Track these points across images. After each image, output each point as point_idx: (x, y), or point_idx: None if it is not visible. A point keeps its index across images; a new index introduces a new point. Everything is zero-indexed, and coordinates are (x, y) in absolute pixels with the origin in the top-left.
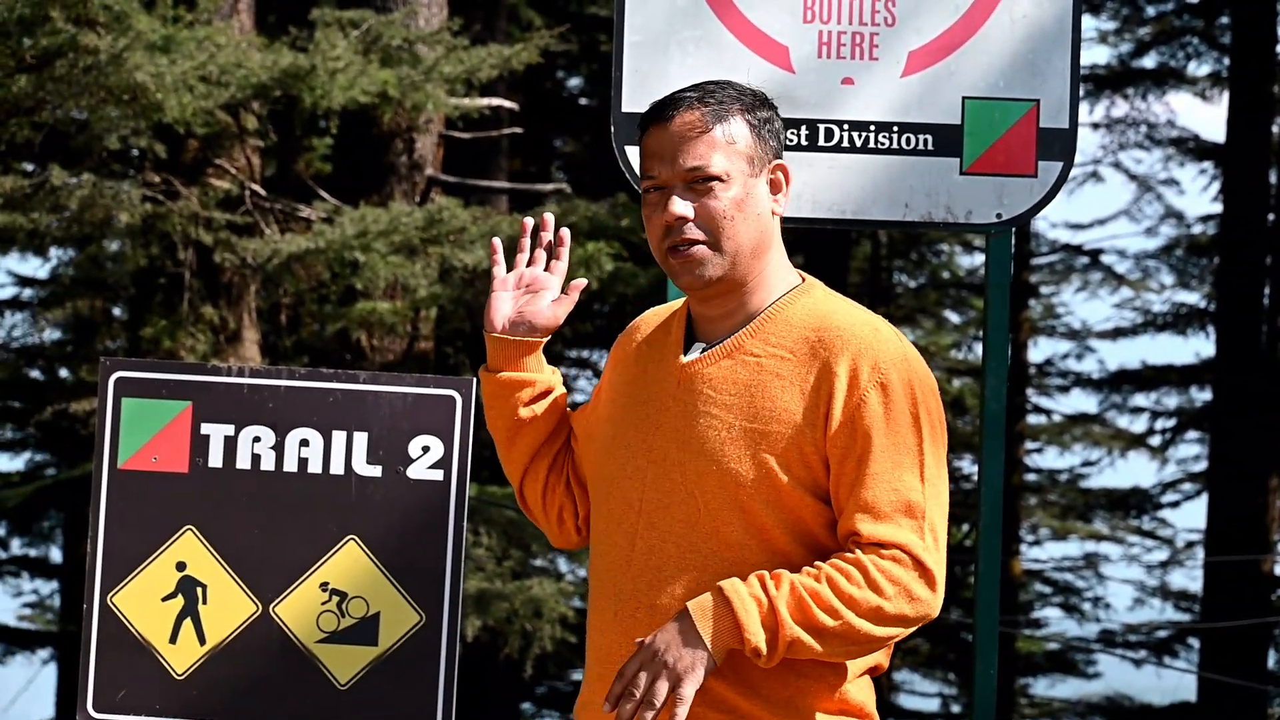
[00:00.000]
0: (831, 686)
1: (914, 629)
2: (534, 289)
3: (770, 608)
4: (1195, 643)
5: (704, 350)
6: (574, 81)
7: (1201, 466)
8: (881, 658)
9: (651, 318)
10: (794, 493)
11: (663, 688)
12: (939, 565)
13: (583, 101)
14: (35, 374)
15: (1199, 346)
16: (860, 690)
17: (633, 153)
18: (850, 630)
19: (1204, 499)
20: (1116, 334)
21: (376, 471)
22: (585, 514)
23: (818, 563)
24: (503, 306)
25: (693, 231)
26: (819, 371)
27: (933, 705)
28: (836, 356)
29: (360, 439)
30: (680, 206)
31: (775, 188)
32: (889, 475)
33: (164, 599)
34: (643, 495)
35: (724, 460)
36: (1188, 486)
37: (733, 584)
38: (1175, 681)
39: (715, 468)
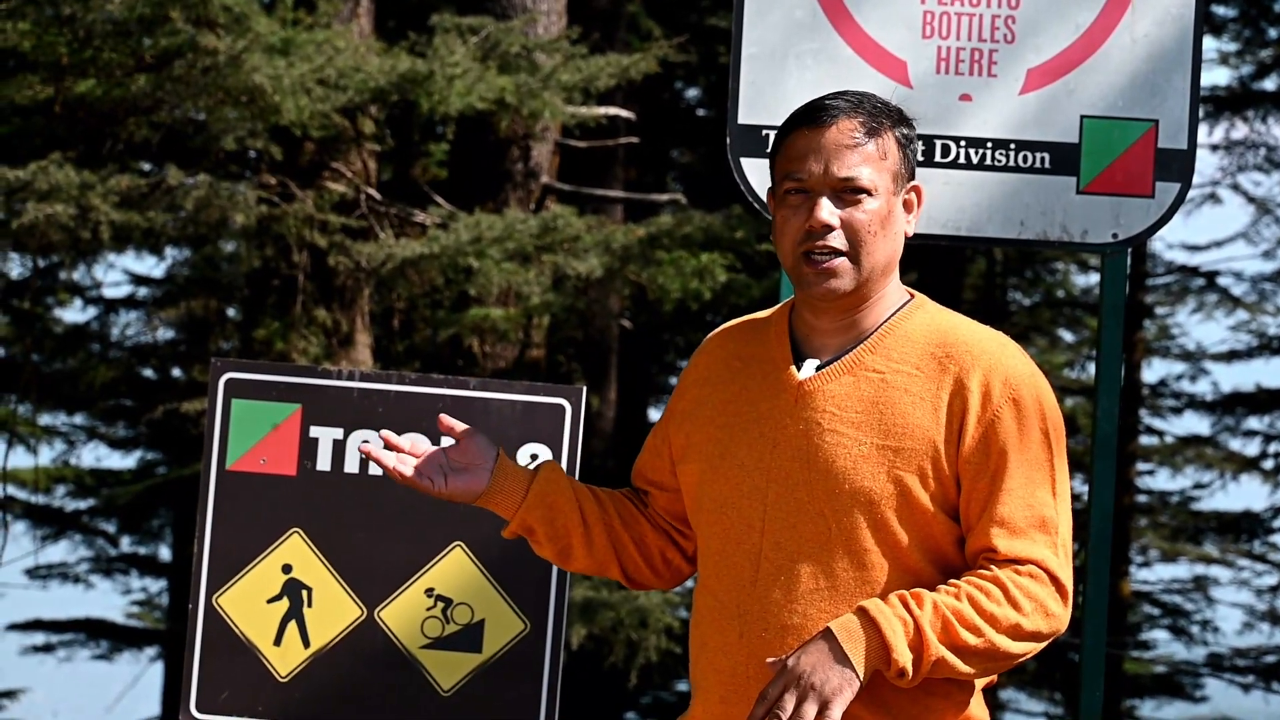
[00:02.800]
0: (958, 704)
1: (1046, 644)
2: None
3: (915, 628)
4: None
5: (820, 366)
6: (692, 92)
7: None
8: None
9: (735, 333)
10: (928, 510)
11: (810, 710)
12: (1070, 580)
13: (700, 112)
14: (148, 373)
15: None
16: (979, 705)
17: (749, 164)
18: (992, 648)
19: None
20: (1231, 356)
21: None
22: (694, 546)
23: (954, 580)
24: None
25: (836, 240)
26: (951, 387)
27: None
28: (968, 371)
29: None
30: (828, 213)
31: (908, 208)
32: (1023, 491)
33: (269, 601)
34: (765, 515)
35: (858, 478)
36: None
37: (876, 604)
38: None
39: (848, 486)
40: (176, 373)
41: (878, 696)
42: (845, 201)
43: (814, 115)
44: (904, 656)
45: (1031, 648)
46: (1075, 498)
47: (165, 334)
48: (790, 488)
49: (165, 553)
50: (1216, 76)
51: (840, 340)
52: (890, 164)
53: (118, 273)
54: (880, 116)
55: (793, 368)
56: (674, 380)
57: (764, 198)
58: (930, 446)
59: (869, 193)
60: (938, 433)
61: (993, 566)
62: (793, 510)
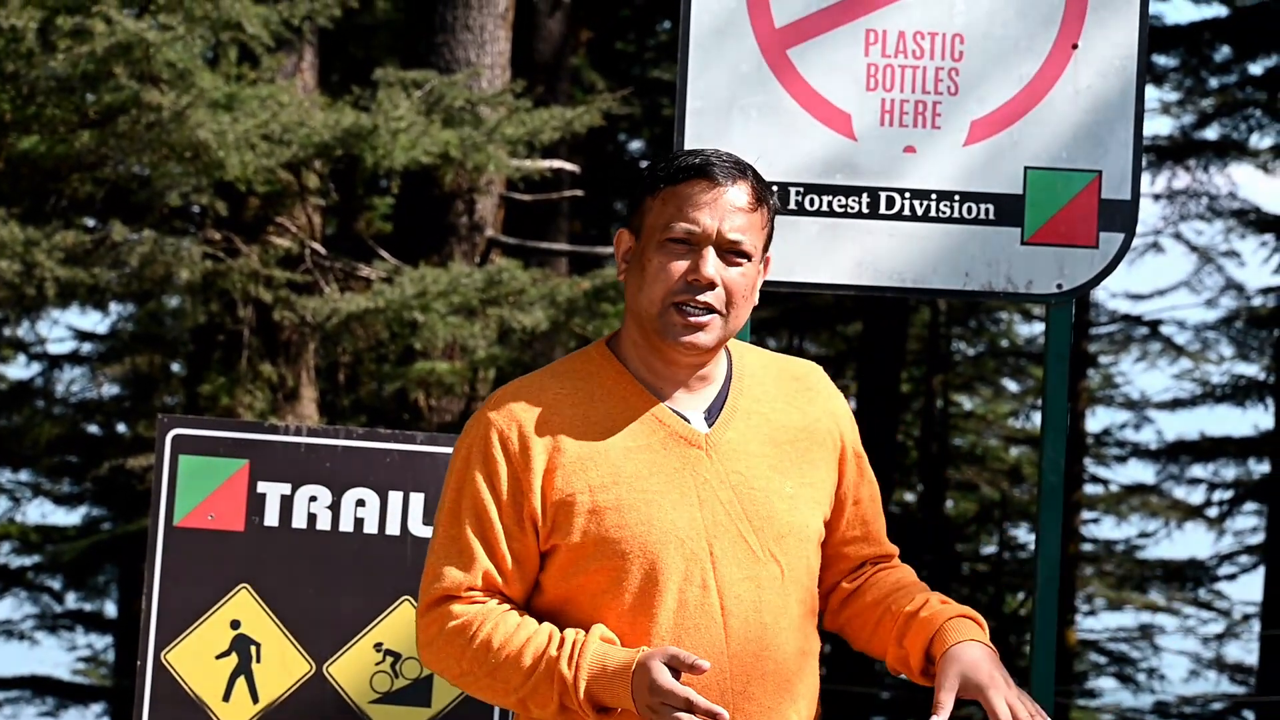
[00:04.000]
0: None
1: None
2: None
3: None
4: (1250, 716)
5: (711, 418)
6: (635, 144)
7: (1259, 539)
8: None
9: (546, 396)
10: (822, 531)
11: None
12: None
13: (644, 165)
14: (93, 429)
15: (1257, 419)
16: None
17: None
18: None
19: (1261, 571)
20: (1175, 405)
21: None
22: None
23: (926, 590)
24: None
25: (712, 297)
26: (827, 416)
27: None
28: (826, 395)
29: (417, 500)
30: (714, 269)
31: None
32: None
33: (218, 657)
34: (715, 573)
35: (796, 520)
36: (1244, 559)
37: (980, 625)
38: None
39: (789, 530)
40: (122, 428)
41: None
42: (727, 262)
43: (710, 171)
44: None
45: None
46: (1020, 547)
47: (110, 390)
48: (733, 540)
49: (111, 609)
50: (1158, 126)
51: (698, 386)
52: (764, 234)
53: (62, 329)
54: (764, 188)
55: (685, 421)
56: None
57: None
58: (830, 473)
59: (748, 257)
60: (832, 461)
61: (880, 564)
62: (745, 561)
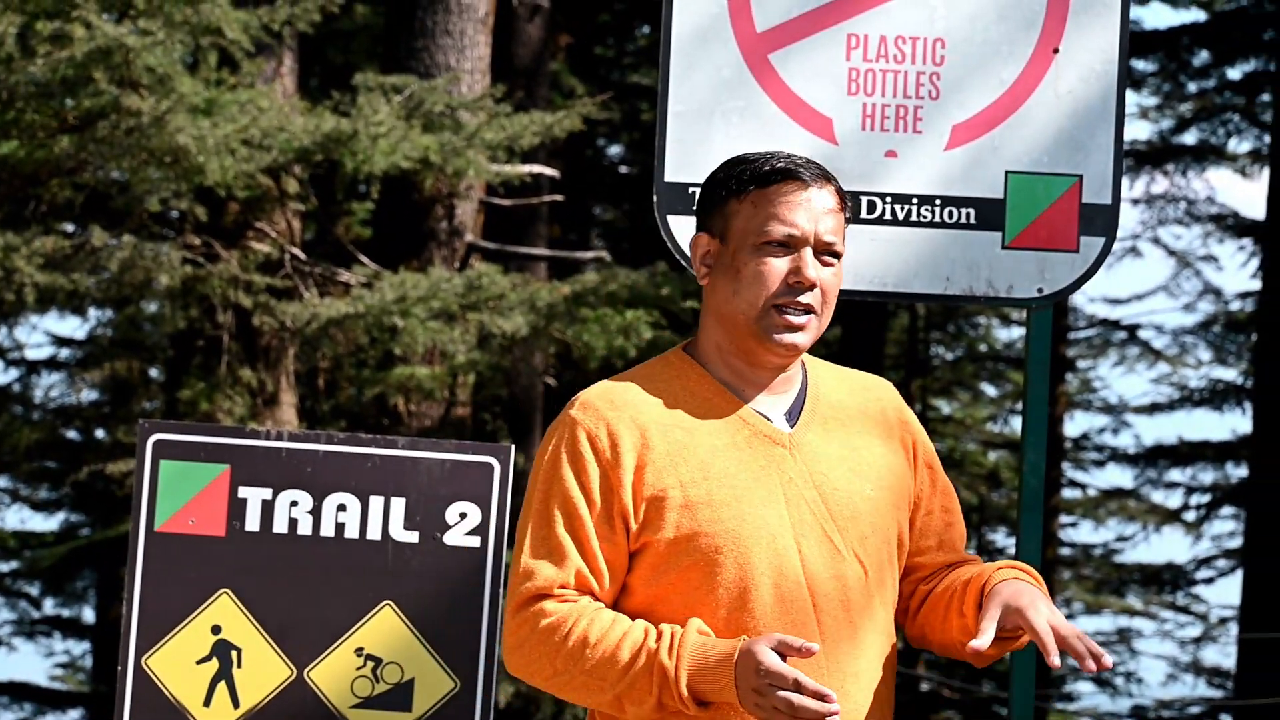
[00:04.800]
0: None
1: None
2: None
3: None
4: (1227, 719)
5: (792, 419)
6: (615, 149)
7: (1236, 543)
8: None
9: (635, 398)
10: (904, 540)
11: None
12: None
13: (623, 170)
14: (72, 434)
15: (1235, 423)
16: None
17: (676, 222)
18: None
19: (1238, 575)
20: (1153, 409)
21: (413, 537)
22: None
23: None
24: None
25: (812, 298)
26: (897, 422)
27: None
28: (897, 408)
29: (398, 504)
30: (815, 271)
31: None
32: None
33: (199, 662)
34: (804, 569)
35: (878, 523)
36: (1222, 562)
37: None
38: None
39: (870, 532)
40: (101, 434)
41: None
42: (822, 264)
43: (799, 173)
44: None
45: None
46: (999, 551)
47: (89, 395)
48: (819, 539)
49: (89, 615)
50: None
51: (781, 389)
52: (845, 235)
53: (40, 334)
54: (843, 191)
55: (768, 421)
56: None
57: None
58: (907, 482)
59: (839, 257)
60: (907, 469)
61: (967, 562)
62: (831, 560)
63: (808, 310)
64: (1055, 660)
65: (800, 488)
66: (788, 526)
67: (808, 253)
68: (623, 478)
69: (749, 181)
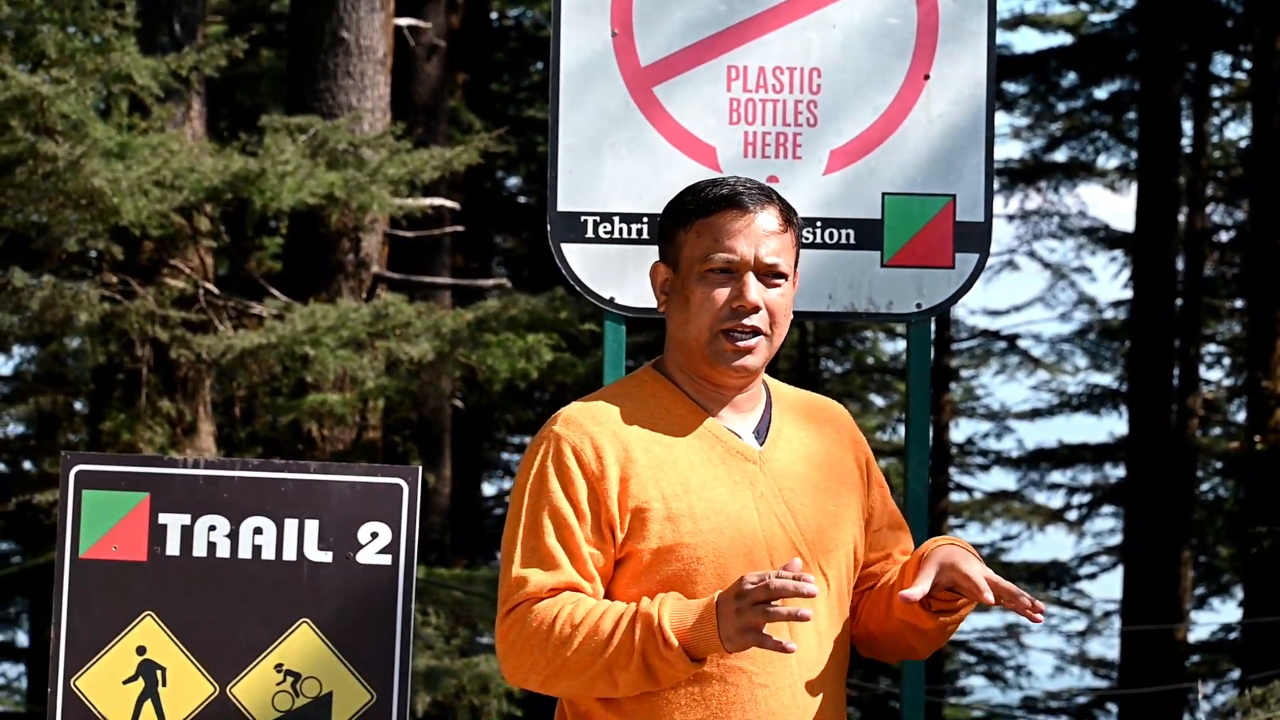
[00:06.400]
0: None
1: None
2: None
3: None
4: (1114, 708)
5: (760, 437)
6: (513, 181)
7: (1117, 540)
8: None
9: (614, 413)
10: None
11: None
12: None
13: (522, 200)
14: (0, 467)
15: (1112, 425)
16: None
17: (570, 249)
18: None
19: (1119, 571)
20: (1034, 414)
21: (327, 557)
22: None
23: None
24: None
25: (758, 320)
26: (851, 442)
27: None
28: (849, 426)
29: (312, 526)
30: (757, 294)
31: None
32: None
33: (125, 682)
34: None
35: (839, 536)
36: (1104, 559)
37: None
38: None
39: (833, 544)
40: (28, 465)
41: None
42: (767, 284)
43: (739, 200)
44: None
45: None
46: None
47: (15, 429)
48: (788, 552)
49: (23, 639)
50: (1010, 150)
51: (746, 407)
52: (795, 252)
53: None
54: (789, 210)
55: (738, 438)
56: (507, 456)
57: (583, 280)
58: (860, 499)
59: (785, 277)
60: (862, 487)
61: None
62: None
63: (755, 332)
64: (989, 597)
65: (770, 503)
66: (761, 540)
67: (750, 277)
68: (609, 489)
69: (694, 212)
